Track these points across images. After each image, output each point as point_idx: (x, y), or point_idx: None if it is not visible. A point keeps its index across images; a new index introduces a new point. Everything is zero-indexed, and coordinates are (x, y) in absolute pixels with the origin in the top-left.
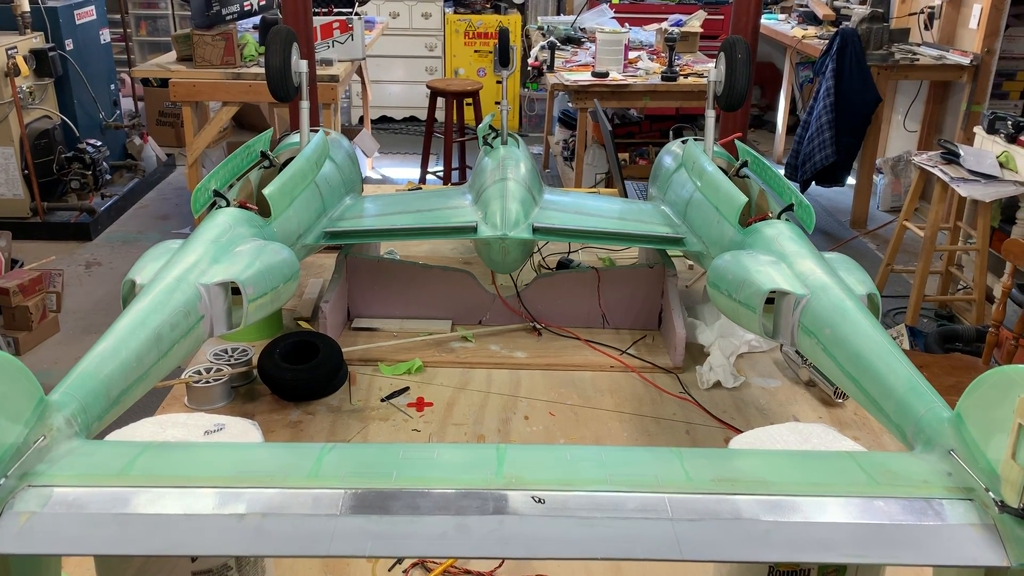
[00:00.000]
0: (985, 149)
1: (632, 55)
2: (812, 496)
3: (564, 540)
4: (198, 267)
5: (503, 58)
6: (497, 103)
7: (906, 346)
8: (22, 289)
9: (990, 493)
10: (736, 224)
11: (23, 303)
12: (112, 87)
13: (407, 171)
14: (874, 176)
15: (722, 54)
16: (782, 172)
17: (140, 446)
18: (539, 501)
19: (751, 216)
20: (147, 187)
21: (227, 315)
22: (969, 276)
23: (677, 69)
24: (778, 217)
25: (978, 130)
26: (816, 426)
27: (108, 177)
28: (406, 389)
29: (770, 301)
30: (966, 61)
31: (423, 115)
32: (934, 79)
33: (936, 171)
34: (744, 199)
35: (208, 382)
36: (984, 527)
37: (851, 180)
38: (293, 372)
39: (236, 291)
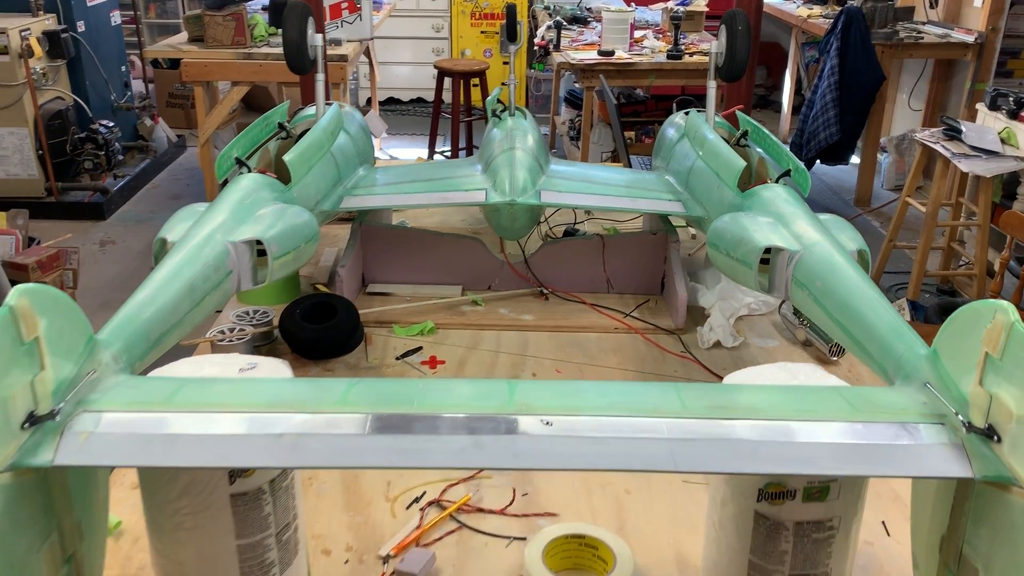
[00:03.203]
0: (987, 126)
1: (638, 34)
2: (798, 421)
3: (570, 455)
4: (225, 226)
5: (511, 34)
6: (504, 84)
7: (907, 319)
8: (40, 266)
9: (959, 416)
10: (735, 188)
11: (41, 279)
12: (123, 69)
13: (415, 151)
14: (878, 155)
15: (723, 26)
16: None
17: (181, 380)
18: (547, 424)
19: (751, 183)
20: (158, 167)
21: (253, 271)
22: (971, 252)
23: (682, 48)
24: (776, 182)
25: (980, 107)
26: (805, 365)
27: (120, 158)
28: (419, 349)
29: (766, 261)
30: (971, 39)
31: (430, 96)
32: (938, 57)
33: (938, 147)
34: (742, 163)
35: (231, 341)
36: (953, 446)
37: (855, 159)
38: (313, 331)
39: (261, 252)
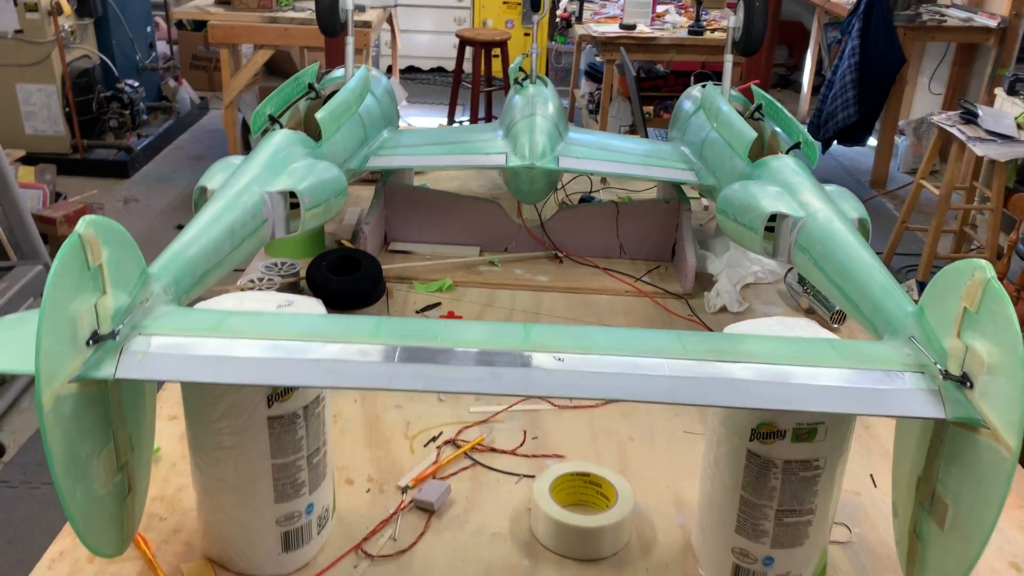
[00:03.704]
0: (1004, 110)
1: (660, 8)
2: (790, 366)
3: (579, 385)
4: (261, 178)
5: (534, 3)
6: (525, 55)
7: (915, 299)
8: (67, 220)
9: (938, 366)
10: (746, 158)
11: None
12: (148, 29)
13: (434, 120)
14: (896, 137)
15: (741, 1)
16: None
17: (226, 312)
18: (559, 359)
19: (764, 155)
20: (181, 128)
21: (286, 221)
22: (983, 236)
23: (704, 24)
24: (786, 154)
25: (999, 91)
26: (801, 320)
27: (144, 117)
28: (438, 304)
29: (771, 229)
30: (993, 24)
31: (450, 66)
32: (961, 41)
33: (954, 130)
34: (754, 134)
35: (260, 290)
36: (931, 391)
37: (872, 141)
38: (338, 282)
39: (293, 206)
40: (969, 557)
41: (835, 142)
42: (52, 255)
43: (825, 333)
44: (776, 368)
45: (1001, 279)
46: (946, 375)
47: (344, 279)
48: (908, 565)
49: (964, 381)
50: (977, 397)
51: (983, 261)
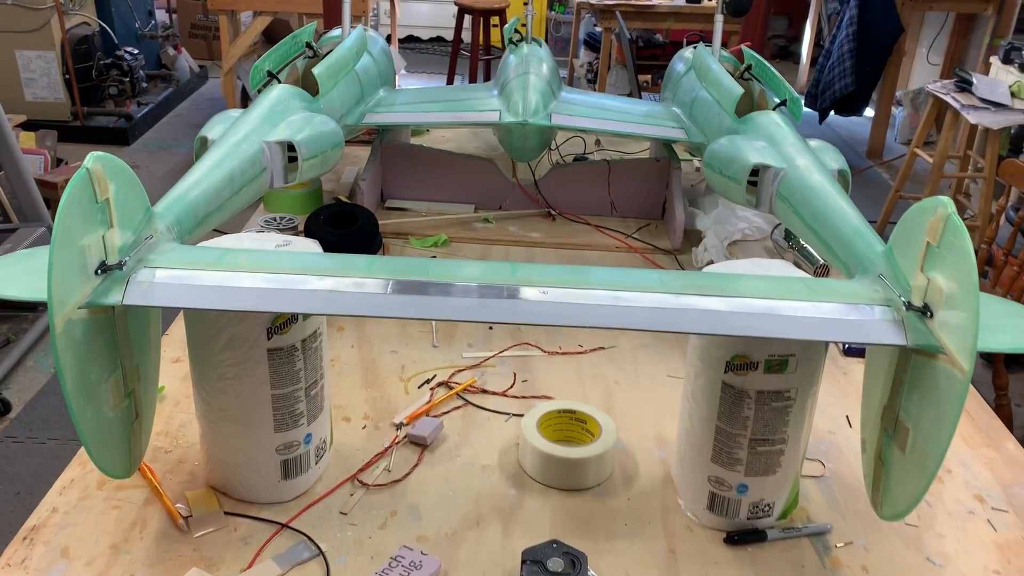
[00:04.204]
0: (999, 79)
1: None
2: (763, 299)
3: (562, 314)
4: (260, 128)
5: None
6: (523, 15)
7: None
8: None
9: (902, 299)
10: (733, 114)
11: None
12: None
13: None
14: (893, 108)
15: None
16: (803, 101)
17: (226, 249)
18: (544, 292)
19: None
20: (181, 96)
21: (284, 170)
22: (976, 205)
23: None
24: (773, 110)
25: (994, 60)
26: (775, 261)
27: (144, 85)
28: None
29: (754, 184)
30: None
31: (449, 35)
32: (959, 11)
33: (948, 98)
34: (740, 90)
35: None
36: (894, 322)
37: (869, 111)
38: (336, 235)
39: (292, 159)
40: (926, 475)
41: (832, 112)
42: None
43: (799, 273)
44: (750, 301)
45: (989, 244)
46: (909, 306)
47: (341, 232)
48: (873, 491)
49: (925, 311)
50: (937, 326)
51: (945, 198)
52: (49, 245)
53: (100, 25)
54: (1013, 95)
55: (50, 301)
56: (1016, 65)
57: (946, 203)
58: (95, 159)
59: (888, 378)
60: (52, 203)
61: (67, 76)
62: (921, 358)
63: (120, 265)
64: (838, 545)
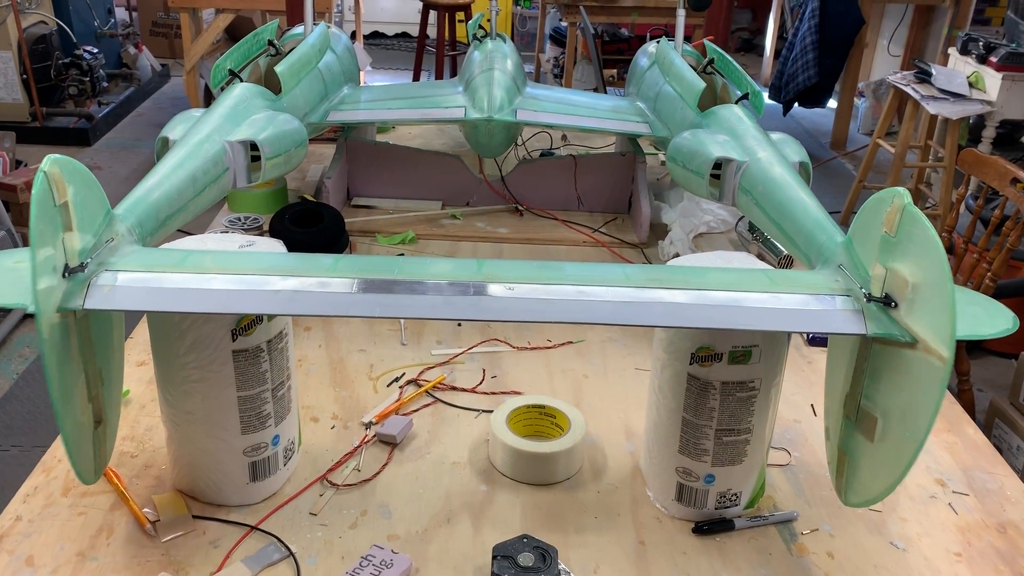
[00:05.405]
0: (957, 70)
1: None
2: (726, 291)
3: (528, 310)
4: (222, 128)
5: None
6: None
7: None
8: (28, 187)
9: (862, 289)
10: (695, 108)
11: (29, 200)
12: None
13: None
14: (855, 99)
15: None
16: (767, 95)
17: (188, 251)
18: (510, 288)
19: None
20: (142, 96)
21: (247, 171)
22: (937, 194)
23: None
24: (735, 104)
25: (952, 51)
26: (738, 253)
27: (105, 85)
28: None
29: (717, 177)
30: None
31: (415, 31)
32: (918, 3)
33: (908, 89)
34: (702, 84)
35: None
36: (854, 311)
37: (832, 103)
38: (302, 234)
39: (255, 158)
40: (903, 462)
41: (796, 104)
42: (14, 222)
43: (762, 265)
44: (712, 293)
45: (950, 232)
46: (869, 297)
47: (307, 231)
48: (837, 477)
49: (887, 302)
50: (904, 315)
51: (902, 188)
52: (11, 250)
53: (58, 24)
54: (971, 85)
55: (37, 307)
56: (973, 56)
57: (902, 194)
58: (52, 162)
59: (849, 367)
60: (11, 206)
61: (25, 76)
62: (883, 348)
63: (81, 267)
64: (804, 532)
